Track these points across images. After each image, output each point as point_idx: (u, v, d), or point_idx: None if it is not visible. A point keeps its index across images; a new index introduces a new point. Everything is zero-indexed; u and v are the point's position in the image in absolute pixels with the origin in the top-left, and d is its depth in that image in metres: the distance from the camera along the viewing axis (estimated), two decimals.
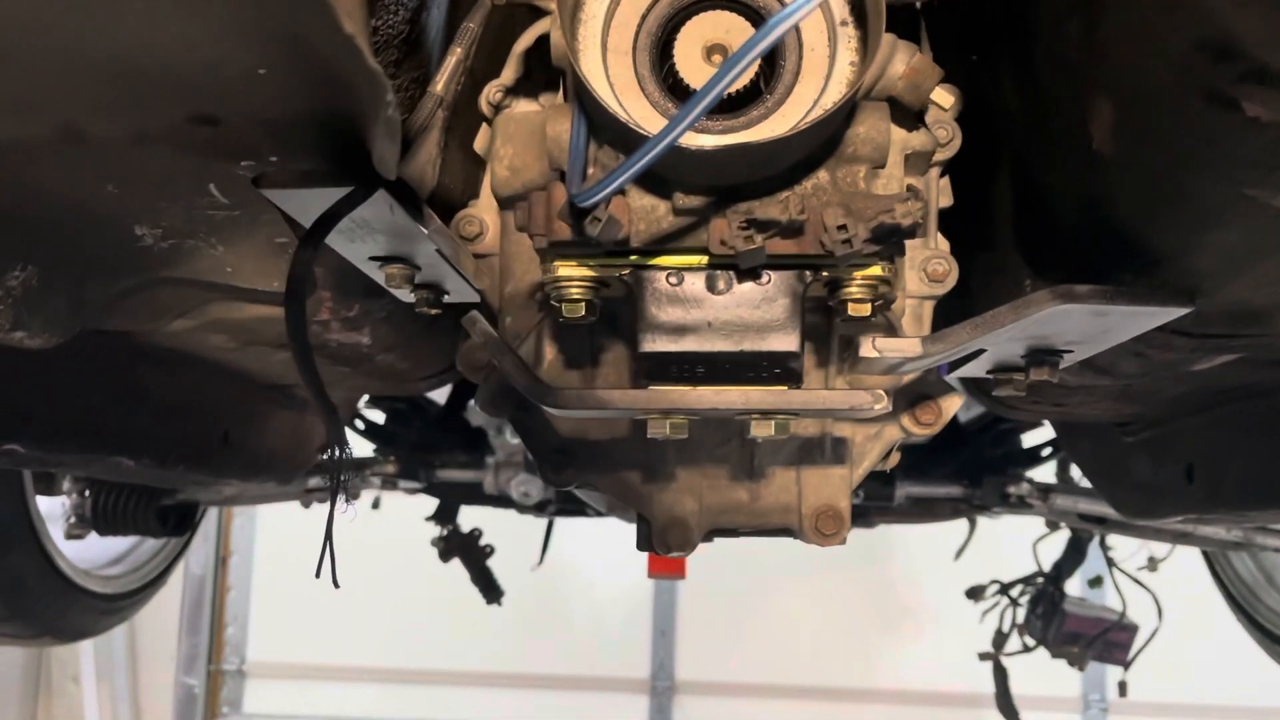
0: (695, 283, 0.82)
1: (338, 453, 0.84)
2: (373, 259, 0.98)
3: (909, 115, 0.97)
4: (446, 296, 1.06)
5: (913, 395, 1.07)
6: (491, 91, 1.04)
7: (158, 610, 5.40)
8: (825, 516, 1.06)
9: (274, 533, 5.52)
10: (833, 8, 0.78)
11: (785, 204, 0.74)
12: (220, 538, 5.54)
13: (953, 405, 1.07)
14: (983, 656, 3.39)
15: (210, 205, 1.04)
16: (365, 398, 2.58)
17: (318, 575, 0.82)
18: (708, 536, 1.13)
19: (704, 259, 0.81)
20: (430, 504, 2.90)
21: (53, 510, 2.49)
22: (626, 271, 0.82)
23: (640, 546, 1.13)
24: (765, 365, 0.83)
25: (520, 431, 1.10)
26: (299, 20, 0.56)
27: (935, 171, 1.05)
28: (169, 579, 2.91)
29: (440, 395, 2.77)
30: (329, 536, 0.83)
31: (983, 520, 3.15)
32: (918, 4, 0.95)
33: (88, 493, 2.46)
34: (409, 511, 3.10)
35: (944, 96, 0.97)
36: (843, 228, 0.74)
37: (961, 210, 1.10)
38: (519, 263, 1.02)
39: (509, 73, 1.05)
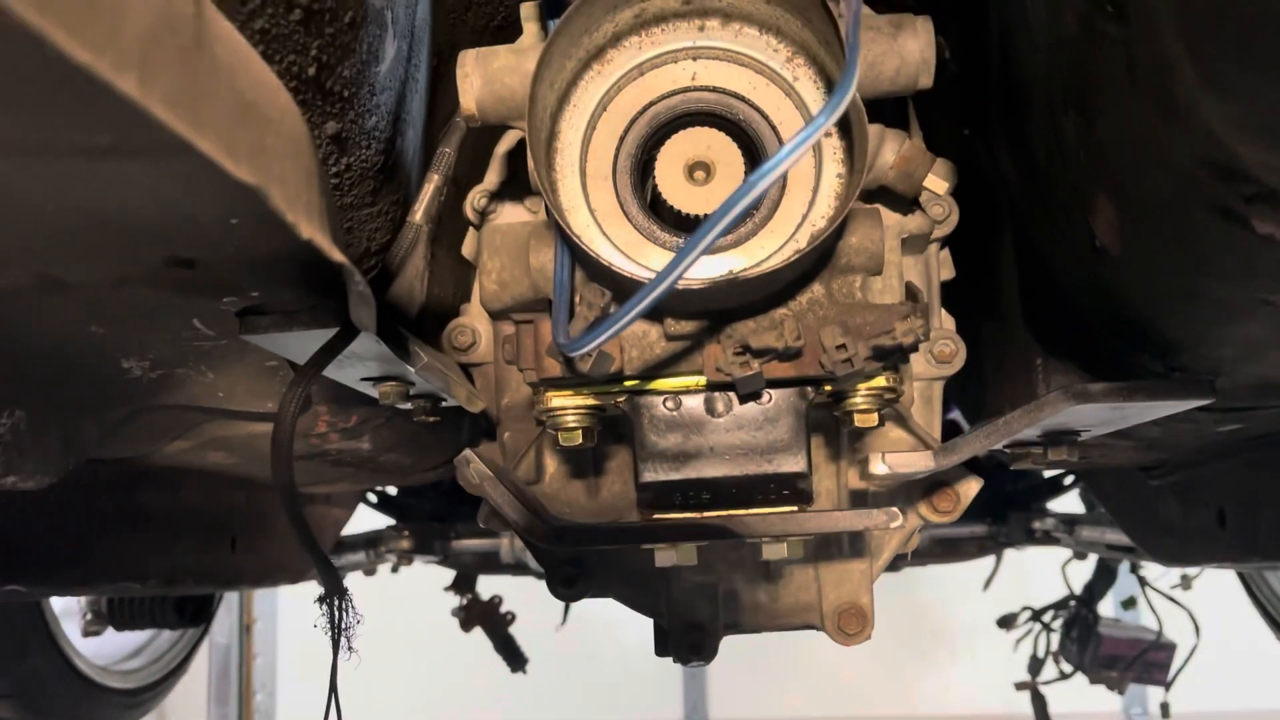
0: (694, 405, 0.80)
1: (335, 603, 0.81)
2: (365, 380, 0.96)
3: (903, 201, 0.95)
4: (444, 402, 1.04)
5: (929, 482, 1.04)
6: (476, 197, 1.02)
7: (186, 681, 5.36)
8: (848, 615, 1.03)
9: (297, 598, 5.48)
10: None
11: (781, 329, 0.71)
12: (243, 606, 5.51)
13: (971, 491, 1.04)
14: (1019, 686, 3.32)
15: (196, 337, 1.02)
16: None
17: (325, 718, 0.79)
18: (727, 632, 1.10)
19: (701, 380, 0.79)
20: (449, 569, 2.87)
21: (68, 608, 2.46)
22: (623, 399, 0.80)
23: (658, 653, 1.10)
24: (773, 487, 0.80)
25: (527, 545, 1.07)
26: (257, 224, 0.54)
27: (934, 247, 1.02)
28: (189, 667, 2.88)
29: None
30: (333, 688, 0.80)
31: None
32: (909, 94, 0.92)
33: None
34: (433, 572, 3.06)
35: (938, 183, 0.94)
36: (842, 347, 0.71)
37: (967, 275, 1.07)
38: (514, 374, 0.99)
39: (492, 177, 1.03)
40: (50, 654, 2.30)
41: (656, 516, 0.81)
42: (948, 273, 1.05)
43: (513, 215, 1.02)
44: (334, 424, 1.22)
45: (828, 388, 0.78)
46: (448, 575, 2.87)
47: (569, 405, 0.80)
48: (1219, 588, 3.25)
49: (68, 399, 1.07)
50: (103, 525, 1.30)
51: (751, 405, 0.79)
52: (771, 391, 0.79)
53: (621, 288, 0.66)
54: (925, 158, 0.91)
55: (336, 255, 0.55)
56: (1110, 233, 0.70)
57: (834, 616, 1.03)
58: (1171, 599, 3.16)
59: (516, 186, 1.04)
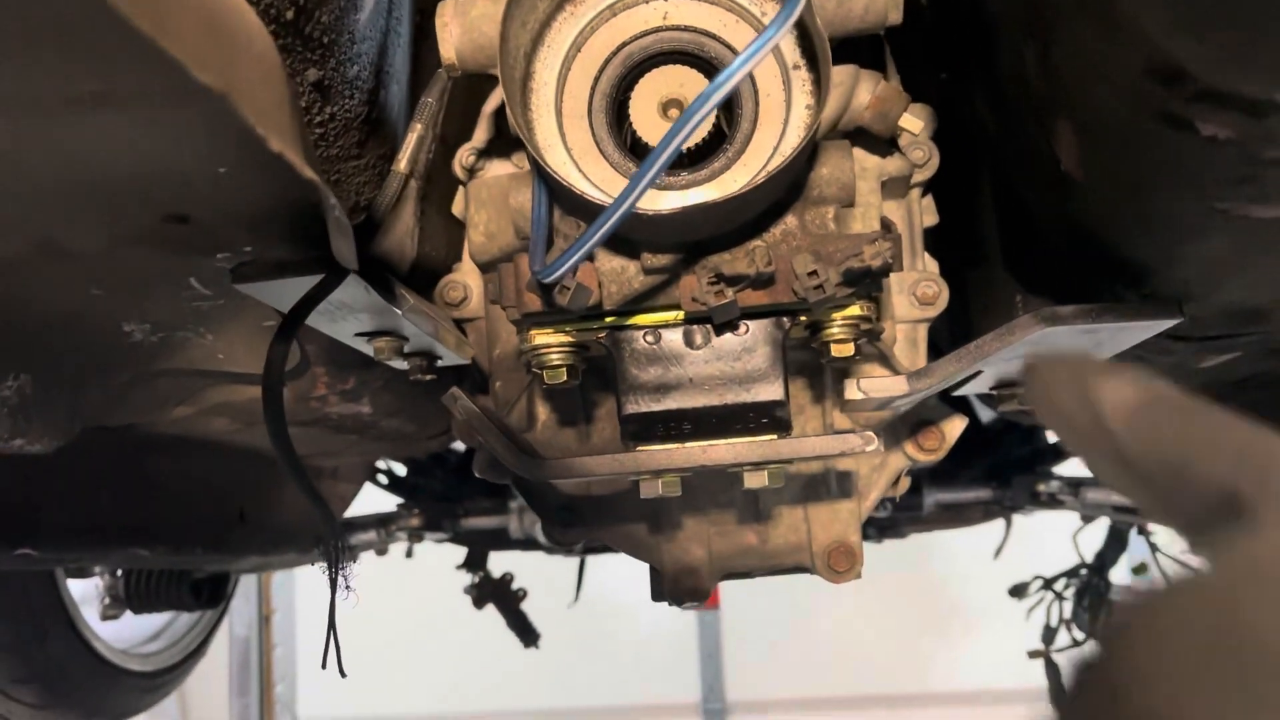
0: (673, 339, 0.82)
1: (333, 544, 0.84)
2: (359, 335, 0.98)
3: (881, 143, 0.96)
4: (440, 361, 1.06)
5: (914, 421, 1.05)
6: (464, 155, 1.04)
7: (207, 674, 5.43)
8: (837, 553, 1.05)
9: (314, 588, 5.53)
10: (784, 53, 0.77)
11: (753, 256, 0.73)
12: (261, 597, 5.56)
13: (956, 429, 1.06)
14: (1033, 655, 3.33)
15: (194, 297, 1.04)
16: None
17: (323, 666, 0.82)
18: (722, 579, 1.12)
19: (679, 314, 0.81)
20: (461, 550, 2.90)
21: (86, 593, 2.50)
22: (603, 334, 0.82)
23: (654, 598, 1.12)
24: (752, 416, 0.81)
25: (522, 493, 1.09)
26: (229, 127, 0.56)
27: (916, 192, 1.03)
28: (208, 649, 2.92)
29: (460, 443, 2.77)
30: (332, 626, 0.82)
31: (1019, 517, 3.11)
32: (880, 31, 0.94)
33: (120, 573, 2.47)
34: (446, 556, 3.09)
35: (914, 121, 0.95)
36: (813, 274, 0.73)
37: (951, 225, 1.08)
38: (505, 325, 1.02)
39: (480, 135, 1.05)
40: (69, 638, 2.33)
41: (640, 449, 0.83)
42: (930, 219, 1.06)
43: (501, 171, 1.04)
44: (332, 385, 1.25)
45: (803, 318, 0.80)
46: (459, 558, 2.90)
47: (552, 343, 0.82)
48: None
49: (71, 363, 1.09)
50: (112, 494, 1.33)
51: (729, 336, 0.80)
52: (748, 322, 0.80)
53: (594, 217, 0.68)
54: (901, 98, 0.92)
55: (307, 172, 0.57)
56: (1072, 159, 0.72)
57: (824, 555, 1.05)
58: (1183, 564, 3.16)
59: (504, 144, 1.06)
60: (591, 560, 3.22)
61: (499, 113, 1.05)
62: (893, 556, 5.34)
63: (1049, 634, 3.33)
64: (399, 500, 2.70)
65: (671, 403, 0.81)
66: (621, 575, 5.16)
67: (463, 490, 2.63)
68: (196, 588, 2.53)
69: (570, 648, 5.28)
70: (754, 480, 0.83)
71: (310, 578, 5.48)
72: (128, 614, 2.50)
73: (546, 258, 0.74)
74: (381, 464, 2.64)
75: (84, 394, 1.13)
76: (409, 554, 3.36)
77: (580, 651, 5.33)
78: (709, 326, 0.81)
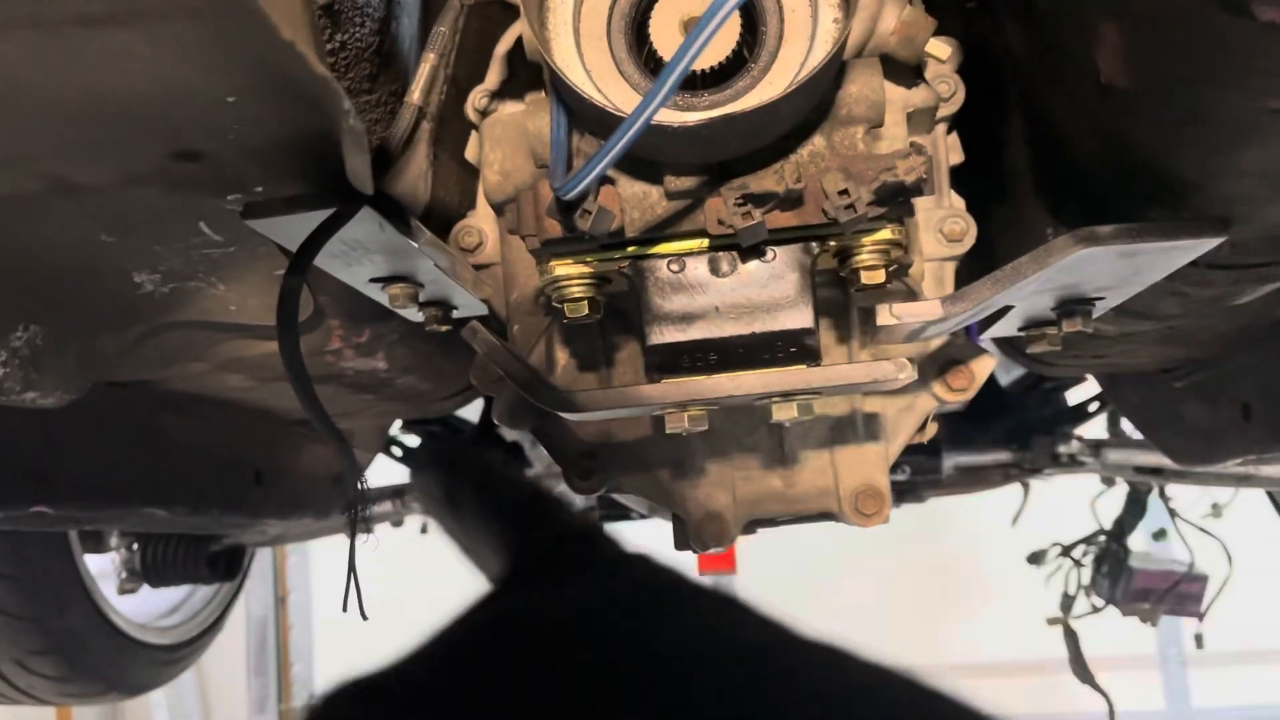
0: (698, 267, 0.79)
1: (354, 481, 0.82)
2: (373, 280, 0.96)
3: (906, 72, 0.93)
4: (455, 312, 1.04)
5: (943, 361, 1.03)
6: (476, 97, 1.02)
7: (224, 655, 5.46)
8: (865, 496, 1.02)
9: (329, 567, 5.55)
10: None
11: (781, 173, 0.71)
12: (277, 578, 5.58)
13: (985, 368, 1.03)
14: (1051, 622, 3.32)
15: (205, 244, 1.03)
16: (398, 423, 2.57)
17: (344, 609, 0.80)
18: (746, 529, 1.10)
19: (704, 242, 0.78)
20: None
21: (103, 568, 2.50)
22: (625, 264, 0.79)
23: (678, 546, 1.10)
24: (780, 345, 0.79)
25: (543, 441, 1.07)
26: (240, 34, 0.54)
27: (941, 128, 1.01)
28: (225, 623, 2.92)
29: (473, 414, 2.76)
30: (352, 567, 0.81)
31: (1037, 484, 3.08)
32: None
33: (136, 547, 2.47)
34: None
35: (940, 48, 0.93)
36: (844, 192, 0.70)
37: (975, 166, 1.06)
38: (522, 268, 0.99)
39: (493, 76, 1.03)
40: (87, 611, 2.34)
41: (665, 381, 0.81)
42: (956, 157, 1.04)
43: (513, 111, 1.02)
44: (347, 338, 1.23)
45: (832, 243, 0.78)
46: None
47: (573, 274, 0.80)
48: (1250, 517, 3.22)
49: (83, 316, 1.08)
50: (127, 454, 1.31)
51: (755, 263, 0.78)
52: (775, 248, 0.78)
53: (614, 131, 0.65)
54: (926, 22, 0.90)
55: (318, 68, 0.55)
56: (1115, 61, 0.69)
57: (851, 498, 1.03)
58: (1203, 530, 3.13)
59: (517, 85, 1.03)
60: (606, 528, 3.20)
61: (512, 54, 1.03)
62: (908, 528, 5.32)
63: (1067, 601, 3.31)
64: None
65: (697, 332, 0.78)
66: (635, 545, 5.16)
67: None
68: (212, 560, 2.53)
69: None
70: (782, 413, 0.81)
71: (325, 557, 5.49)
72: (145, 588, 2.50)
73: (567, 176, 0.71)
74: (396, 436, 2.63)
75: (95, 347, 1.11)
76: (424, 530, 3.36)
77: None
78: (735, 253, 0.79)
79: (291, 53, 0.52)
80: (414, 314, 1.02)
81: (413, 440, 2.68)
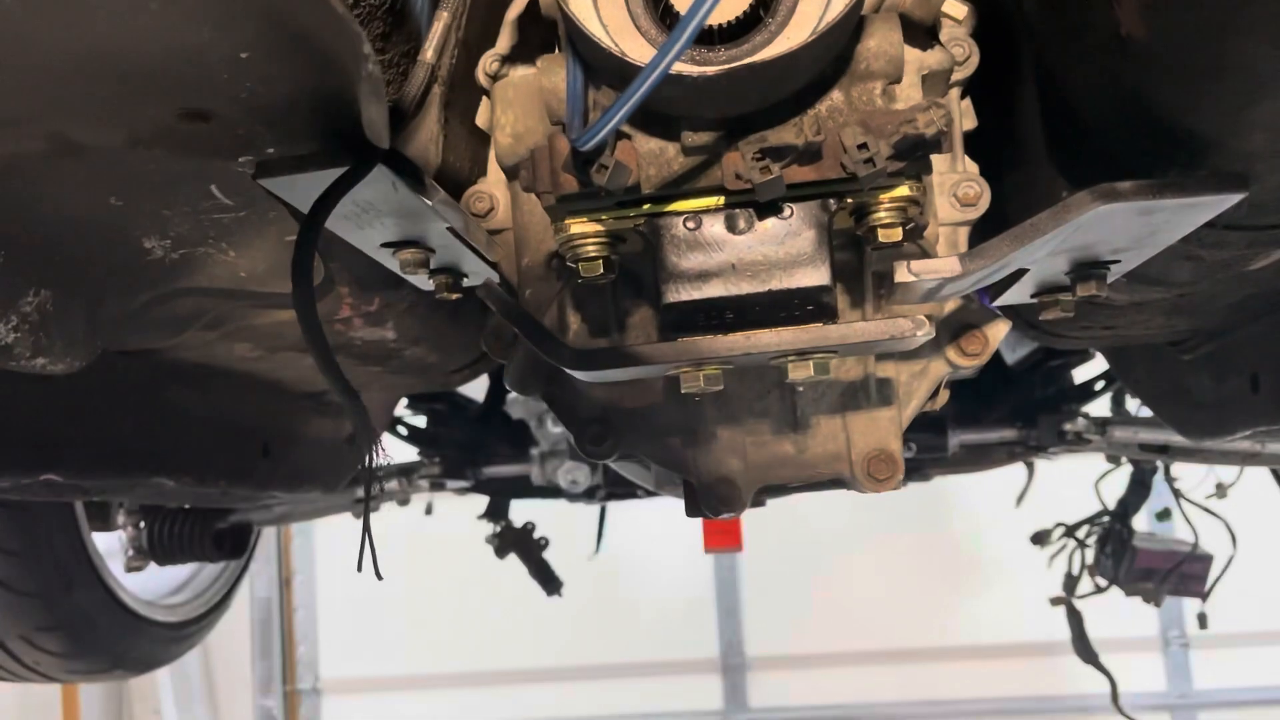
0: (714, 225, 0.79)
1: (367, 442, 0.82)
2: (385, 245, 0.96)
3: (921, 32, 0.93)
4: (465, 280, 1.03)
5: (956, 326, 1.03)
6: (488, 62, 1.01)
7: (230, 636, 5.48)
8: (877, 460, 1.02)
9: (333, 549, 5.56)
10: None
11: (799, 127, 0.70)
12: (281, 559, 5.59)
13: (999, 332, 1.03)
14: (1054, 601, 3.32)
15: (215, 208, 1.02)
16: (404, 402, 2.58)
17: (359, 568, 0.80)
18: (757, 497, 1.10)
19: (720, 199, 0.78)
20: (482, 504, 2.89)
21: (111, 546, 2.51)
22: (641, 221, 0.79)
23: (689, 512, 1.10)
24: (796, 303, 0.79)
25: (554, 408, 1.07)
26: (252, 17, 0.53)
27: (955, 93, 1.00)
28: (232, 602, 2.93)
29: (479, 392, 2.76)
30: (366, 528, 0.81)
31: (1042, 465, 3.08)
32: None
33: (143, 524, 2.48)
34: (463, 515, 3.09)
35: (956, 7, 0.92)
36: (863, 146, 0.70)
37: (988, 133, 1.05)
38: (533, 233, 0.99)
39: (504, 41, 1.02)
40: (95, 588, 2.34)
41: (680, 340, 0.81)
42: (970, 122, 1.03)
43: (525, 73, 1.01)
44: (356, 307, 1.23)
45: (850, 200, 0.77)
46: (483, 524, 2.89)
47: (588, 232, 0.79)
48: (1255, 497, 3.22)
49: (92, 281, 1.07)
50: (135, 423, 1.31)
51: (772, 220, 0.78)
52: (792, 205, 0.78)
53: (632, 81, 0.64)
54: None
55: (338, 7, 0.54)
56: (1134, 13, 0.68)
57: (863, 463, 1.02)
58: (1207, 509, 3.13)
59: (528, 49, 1.02)
60: (611, 517, 3.21)
61: (522, 18, 1.02)
62: (910, 512, 5.33)
63: (1071, 582, 3.32)
64: (418, 453, 2.69)
65: (713, 290, 0.78)
66: (640, 532, 5.18)
67: (483, 438, 2.61)
68: (218, 538, 2.54)
69: (590, 606, 5.30)
70: (798, 371, 0.80)
71: (330, 540, 5.51)
72: (152, 566, 2.51)
73: (584, 128, 0.71)
74: (402, 416, 2.63)
75: (104, 313, 1.11)
76: (428, 511, 3.37)
77: (600, 609, 5.35)
78: (751, 210, 0.78)
79: (303, 40, 0.51)
80: (424, 281, 1.01)
81: (419, 420, 2.68)
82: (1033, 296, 1.00)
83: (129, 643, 2.48)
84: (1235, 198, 0.76)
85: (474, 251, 0.93)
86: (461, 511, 3.09)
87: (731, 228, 0.79)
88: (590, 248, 0.79)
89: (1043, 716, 5.35)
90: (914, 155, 0.71)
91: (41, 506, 2.17)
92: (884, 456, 1.02)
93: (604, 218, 0.79)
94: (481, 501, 2.87)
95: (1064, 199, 1.01)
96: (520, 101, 0.94)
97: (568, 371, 0.83)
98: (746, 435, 1.04)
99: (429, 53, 0.87)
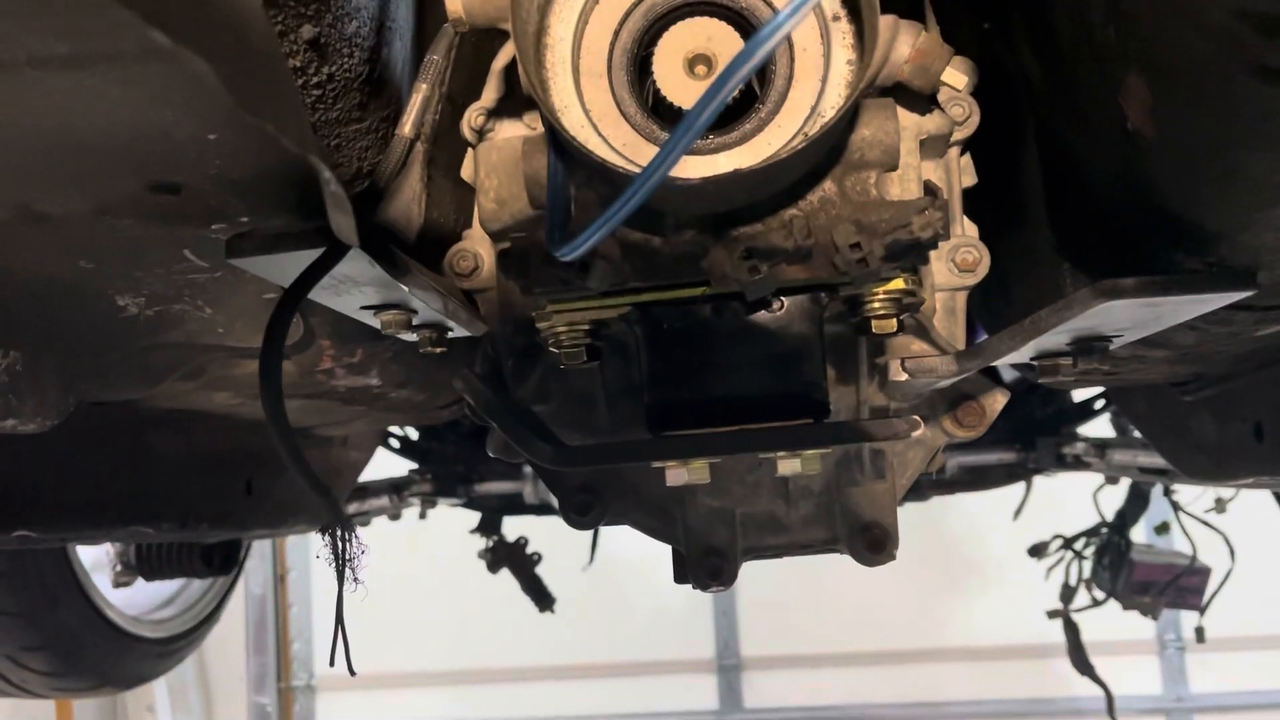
0: (701, 317, 0.75)
1: (339, 533, 0.79)
2: (365, 308, 0.93)
3: (920, 98, 0.89)
4: (450, 333, 1.00)
5: (953, 397, 1.00)
6: (473, 116, 0.98)
7: (224, 632, 5.46)
8: (871, 535, 0.99)
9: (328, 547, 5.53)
10: (824, 3, 0.70)
11: (789, 228, 0.67)
12: (276, 557, 5.57)
13: (997, 405, 1.00)
14: (1051, 614, 3.30)
15: (190, 269, 0.99)
16: None
17: (331, 663, 0.77)
18: (748, 558, 1.07)
19: (707, 290, 0.74)
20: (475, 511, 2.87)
21: (98, 559, 2.48)
22: (626, 310, 0.75)
23: (677, 580, 1.07)
24: (787, 399, 0.76)
25: (540, 475, 1.04)
26: (215, 107, 0.50)
27: (955, 151, 0.97)
28: (221, 615, 2.91)
29: None
30: (339, 621, 0.78)
31: (1040, 476, 3.06)
32: None
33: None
34: (459, 515, 3.07)
35: (956, 77, 0.88)
36: (856, 246, 0.67)
37: (988, 184, 1.02)
38: (519, 295, 0.96)
39: (489, 94, 0.98)
40: (80, 605, 2.32)
41: (666, 436, 0.78)
42: (969, 179, 0.99)
43: (511, 132, 0.98)
44: (338, 358, 1.20)
45: (843, 293, 0.74)
46: (474, 519, 2.87)
47: (571, 322, 0.76)
48: (1254, 510, 3.19)
49: (63, 339, 1.04)
50: (113, 470, 1.28)
51: (763, 314, 0.74)
52: (783, 299, 0.74)
53: (617, 186, 0.61)
54: (943, 50, 0.85)
55: (287, 146, 0.51)
56: (1143, 114, 0.65)
57: (856, 538, 0.99)
58: (1205, 523, 3.11)
59: (515, 103, 0.99)
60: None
61: (509, 69, 0.98)
62: (909, 514, 5.29)
63: (1068, 593, 3.30)
64: (412, 466, 2.66)
65: (700, 388, 0.75)
66: (636, 534, 5.16)
67: (476, 456, 2.59)
68: (208, 554, 2.51)
69: (586, 606, 5.28)
70: (787, 467, 0.77)
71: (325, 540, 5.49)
72: (140, 581, 2.48)
73: (567, 231, 0.67)
74: (394, 429, 2.60)
75: (77, 371, 1.08)
76: (423, 515, 3.34)
77: (596, 609, 5.33)
78: (739, 304, 0.75)
79: (264, 133, 0.48)
80: (408, 336, 0.98)
81: (413, 433, 2.65)
82: (1033, 360, 0.97)
83: (116, 660, 2.46)
84: (1242, 295, 0.73)
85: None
86: (457, 511, 3.06)
87: (719, 321, 0.76)
88: (572, 337, 0.76)
89: (1037, 719, 5.35)
90: (908, 256, 0.68)
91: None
92: (878, 531, 0.99)
93: (587, 307, 0.75)
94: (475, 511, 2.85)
95: (1065, 271, 0.98)
96: (504, 167, 0.91)
97: None
98: (737, 507, 1.01)
99: (407, 128, 0.84)
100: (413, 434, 2.67)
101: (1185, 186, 0.70)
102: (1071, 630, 3.34)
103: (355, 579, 0.80)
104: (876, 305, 0.74)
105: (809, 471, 0.77)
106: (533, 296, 0.75)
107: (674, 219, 0.71)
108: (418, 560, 5.21)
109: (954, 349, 0.92)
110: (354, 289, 0.87)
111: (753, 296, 0.71)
